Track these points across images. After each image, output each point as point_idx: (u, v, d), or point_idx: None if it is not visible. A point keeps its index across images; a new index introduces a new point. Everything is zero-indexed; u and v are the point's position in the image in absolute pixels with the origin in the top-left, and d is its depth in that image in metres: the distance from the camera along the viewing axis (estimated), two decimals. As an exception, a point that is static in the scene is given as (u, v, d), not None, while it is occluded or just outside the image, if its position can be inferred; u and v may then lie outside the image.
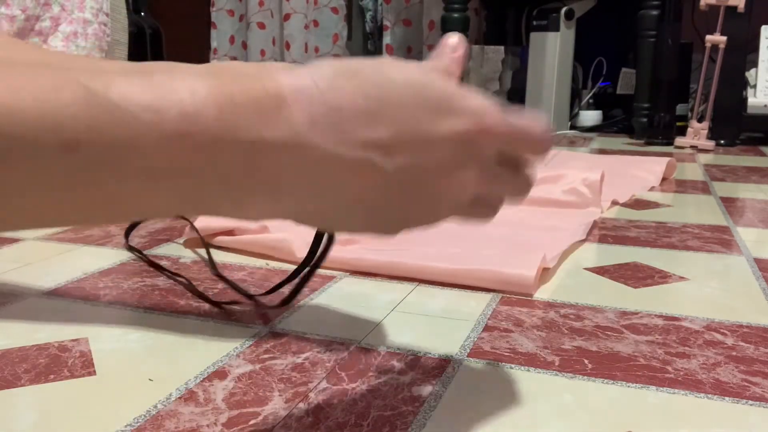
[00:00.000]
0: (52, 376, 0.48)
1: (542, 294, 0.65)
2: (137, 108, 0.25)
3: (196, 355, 0.52)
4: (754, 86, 1.66)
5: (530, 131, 0.34)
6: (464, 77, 1.95)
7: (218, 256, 0.75)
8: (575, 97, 1.92)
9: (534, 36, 1.84)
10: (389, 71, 0.30)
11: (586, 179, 0.97)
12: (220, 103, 0.27)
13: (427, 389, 0.46)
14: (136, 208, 0.27)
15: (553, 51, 1.80)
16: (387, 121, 0.29)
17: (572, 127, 1.90)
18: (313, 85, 0.29)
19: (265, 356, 0.51)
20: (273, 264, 0.74)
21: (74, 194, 0.25)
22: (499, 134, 0.33)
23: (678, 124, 1.69)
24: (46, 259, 0.75)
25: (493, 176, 0.34)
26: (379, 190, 0.30)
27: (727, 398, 0.46)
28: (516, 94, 2.03)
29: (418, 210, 0.32)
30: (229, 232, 0.79)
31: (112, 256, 0.76)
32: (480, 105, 0.33)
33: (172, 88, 0.26)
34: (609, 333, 0.56)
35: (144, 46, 1.88)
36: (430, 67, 0.34)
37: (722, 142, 1.66)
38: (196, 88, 0.27)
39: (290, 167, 0.28)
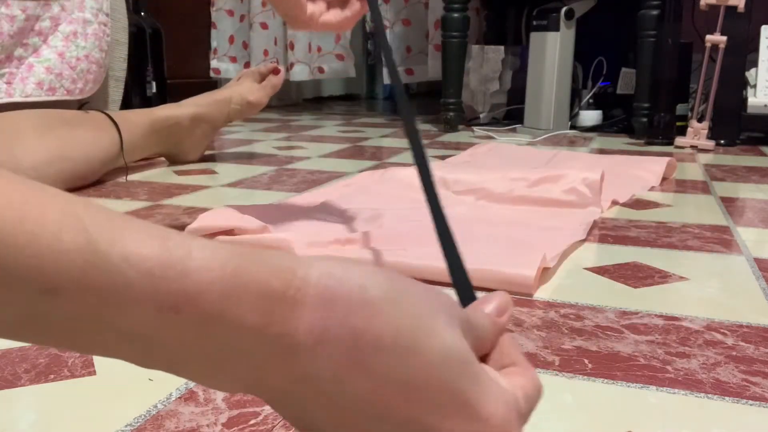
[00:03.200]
0: (52, 376, 0.48)
1: (542, 294, 0.65)
2: (136, 274, 0.23)
3: (196, 355, 0.52)
4: (754, 86, 1.66)
5: None
6: (466, 77, 1.95)
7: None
8: (575, 97, 1.92)
9: (534, 36, 1.84)
10: (427, 339, 0.27)
11: (586, 179, 0.97)
12: (227, 287, 0.24)
13: (427, 389, 0.46)
14: (104, 353, 0.25)
15: (553, 51, 1.80)
16: (399, 377, 0.26)
17: (572, 127, 1.90)
18: (341, 294, 0.26)
19: (265, 356, 0.51)
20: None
21: (47, 330, 0.23)
22: None
23: (678, 124, 1.69)
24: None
25: None
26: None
27: (727, 398, 0.46)
28: (516, 94, 2.03)
29: None
30: (229, 232, 0.79)
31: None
32: (502, 419, 0.28)
33: (181, 258, 0.24)
34: (609, 333, 0.56)
35: (144, 46, 1.88)
36: (468, 326, 0.30)
37: (722, 142, 1.66)
38: (213, 265, 0.24)
39: (278, 371, 0.26)
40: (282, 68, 1.44)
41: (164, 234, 0.24)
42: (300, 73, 2.47)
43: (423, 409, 0.27)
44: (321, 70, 2.47)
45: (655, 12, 1.67)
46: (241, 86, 1.39)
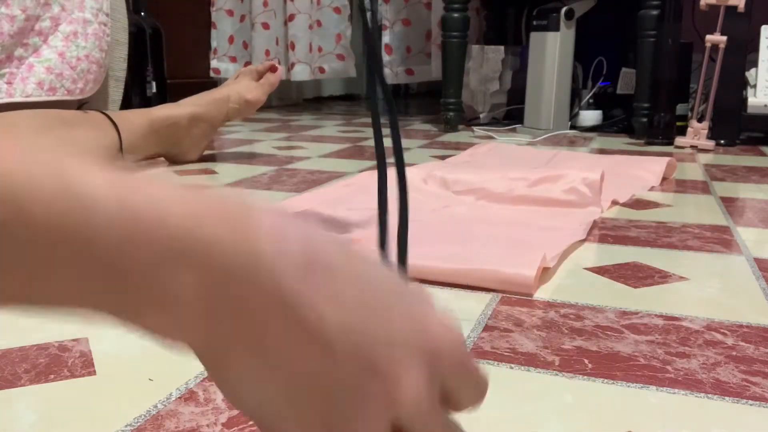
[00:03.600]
0: (52, 376, 0.48)
1: (542, 294, 0.65)
2: (104, 200, 0.22)
3: (196, 355, 0.52)
4: (754, 86, 1.66)
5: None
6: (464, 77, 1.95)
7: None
8: (575, 97, 1.92)
9: (534, 36, 1.84)
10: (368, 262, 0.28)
11: (586, 179, 0.97)
12: (194, 213, 0.24)
13: (427, 389, 0.46)
14: (55, 299, 0.23)
15: (553, 51, 1.80)
16: (357, 303, 0.26)
17: (572, 127, 1.90)
18: (295, 223, 0.26)
19: (265, 356, 0.51)
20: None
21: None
22: (458, 363, 0.29)
23: (678, 124, 1.69)
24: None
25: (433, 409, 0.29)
26: (317, 372, 0.26)
27: (727, 398, 0.46)
28: (516, 94, 2.03)
29: (355, 412, 0.27)
30: None
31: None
32: (457, 332, 0.30)
33: (147, 187, 0.23)
34: (609, 333, 0.56)
35: (144, 46, 1.88)
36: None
37: (722, 142, 1.66)
38: (172, 194, 0.24)
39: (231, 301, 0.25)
40: (280, 66, 1.44)
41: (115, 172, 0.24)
42: (301, 73, 2.47)
43: (378, 334, 0.26)
44: (322, 70, 2.47)
45: (655, 12, 1.67)
46: (239, 85, 1.39)
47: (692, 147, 1.62)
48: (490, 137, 1.80)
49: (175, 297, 0.24)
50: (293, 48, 2.46)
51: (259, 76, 1.41)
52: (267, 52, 2.53)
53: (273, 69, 1.41)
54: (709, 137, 1.62)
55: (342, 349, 0.26)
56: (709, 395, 0.46)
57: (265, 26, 2.51)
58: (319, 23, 2.45)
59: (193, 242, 0.23)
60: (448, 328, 0.29)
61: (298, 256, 0.25)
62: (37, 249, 0.22)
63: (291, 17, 2.45)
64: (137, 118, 1.27)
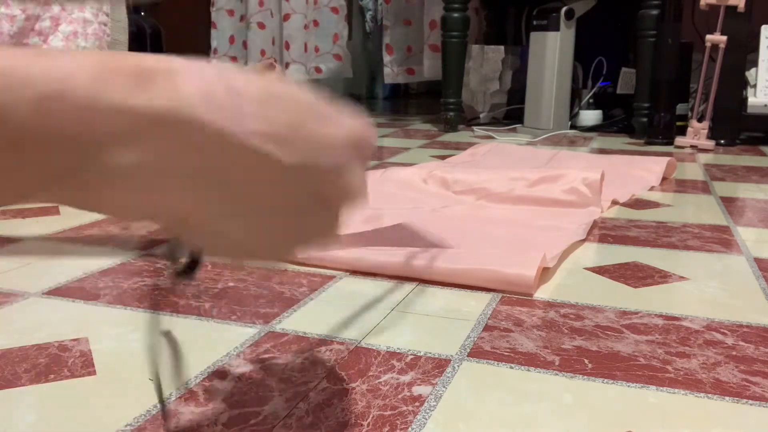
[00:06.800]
0: (52, 376, 0.48)
1: (542, 294, 0.65)
2: (11, 71, 0.24)
3: (196, 355, 0.52)
4: (754, 86, 1.66)
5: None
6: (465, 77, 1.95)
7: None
8: (575, 96, 1.92)
9: (534, 36, 1.84)
10: (282, 82, 0.30)
11: (586, 179, 0.97)
12: (96, 70, 0.25)
13: (427, 389, 0.46)
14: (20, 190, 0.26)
15: (553, 51, 1.80)
16: (284, 116, 0.28)
17: (572, 127, 1.90)
18: (211, 66, 0.28)
19: (265, 356, 0.51)
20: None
21: None
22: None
23: (678, 123, 1.69)
24: (46, 259, 0.75)
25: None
26: (273, 188, 0.28)
27: (727, 398, 0.46)
28: (516, 94, 2.03)
29: (310, 222, 0.31)
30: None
31: (112, 255, 0.76)
32: (356, 120, 0.32)
33: (55, 57, 0.25)
34: (609, 333, 0.56)
35: (144, 45, 1.88)
36: None
37: (722, 141, 1.66)
38: (79, 57, 0.25)
39: (174, 143, 0.26)
40: (278, 66, 1.44)
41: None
42: (296, 72, 2.47)
43: (310, 120, 0.29)
44: (318, 69, 2.47)
45: (655, 12, 1.67)
46: None
47: (692, 147, 1.62)
48: (490, 137, 1.79)
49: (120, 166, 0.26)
50: (288, 48, 2.46)
51: None
52: (263, 52, 2.53)
53: (271, 68, 1.41)
54: (709, 137, 1.62)
55: (288, 159, 0.28)
56: (709, 395, 0.46)
57: (261, 26, 2.51)
58: (315, 23, 2.45)
59: (128, 109, 0.25)
60: (363, 122, 0.32)
61: (224, 96, 0.27)
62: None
63: (286, 17, 2.45)
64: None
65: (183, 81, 0.26)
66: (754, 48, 1.66)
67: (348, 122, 0.31)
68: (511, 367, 0.50)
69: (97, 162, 0.26)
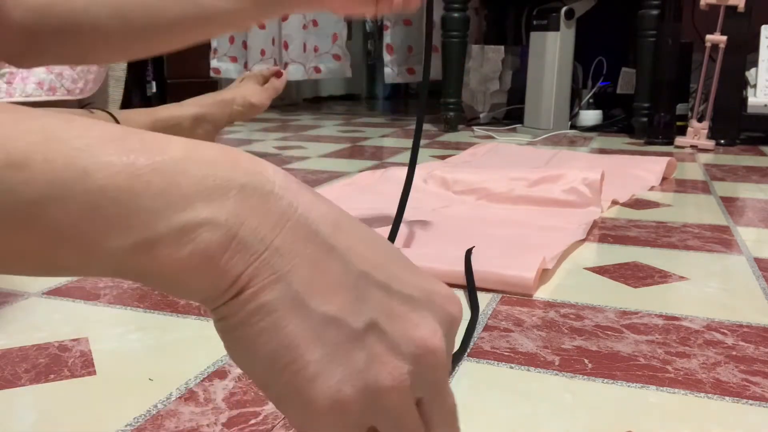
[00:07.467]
0: (52, 376, 0.48)
1: (542, 294, 0.65)
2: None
3: (196, 355, 0.52)
4: (754, 86, 1.66)
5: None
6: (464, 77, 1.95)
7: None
8: (575, 96, 1.92)
9: (534, 36, 1.84)
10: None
11: (586, 179, 0.97)
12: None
13: (427, 389, 0.46)
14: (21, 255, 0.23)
15: (553, 51, 1.80)
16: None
17: (572, 127, 1.90)
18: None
19: (265, 356, 0.51)
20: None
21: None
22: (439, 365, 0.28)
23: (678, 123, 1.69)
24: (46, 259, 0.75)
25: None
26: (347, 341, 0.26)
27: (727, 398, 0.46)
28: (516, 94, 2.03)
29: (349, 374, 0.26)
30: None
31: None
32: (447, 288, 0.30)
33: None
34: (609, 333, 0.56)
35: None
36: None
37: (722, 141, 1.66)
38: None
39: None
40: (285, 72, 1.45)
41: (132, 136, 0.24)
42: (295, 72, 2.47)
43: (399, 279, 0.28)
44: (317, 69, 2.47)
45: (655, 12, 1.67)
46: (244, 88, 1.40)
47: (692, 147, 1.62)
48: (490, 137, 1.79)
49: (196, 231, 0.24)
50: (287, 47, 2.46)
51: (264, 80, 1.43)
52: (263, 52, 2.53)
53: (278, 74, 1.43)
54: (709, 137, 1.62)
55: (365, 288, 0.27)
56: (709, 395, 0.46)
57: (261, 26, 2.51)
58: (315, 23, 2.45)
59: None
60: (457, 301, 0.30)
61: (329, 215, 0.28)
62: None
63: (284, 17, 2.45)
64: (141, 118, 1.27)
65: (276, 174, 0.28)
66: (754, 48, 1.66)
67: (444, 292, 0.29)
68: (511, 367, 0.50)
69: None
